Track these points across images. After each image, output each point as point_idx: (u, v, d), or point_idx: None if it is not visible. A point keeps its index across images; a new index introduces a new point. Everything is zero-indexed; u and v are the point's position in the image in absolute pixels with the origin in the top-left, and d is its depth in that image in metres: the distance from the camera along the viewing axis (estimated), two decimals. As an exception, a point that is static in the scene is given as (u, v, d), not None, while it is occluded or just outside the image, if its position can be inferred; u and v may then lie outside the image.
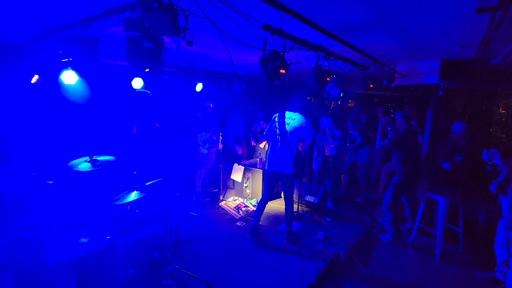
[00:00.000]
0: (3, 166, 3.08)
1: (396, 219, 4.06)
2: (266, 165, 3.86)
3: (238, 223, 4.44)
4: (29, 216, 2.92)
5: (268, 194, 3.92)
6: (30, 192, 3.11)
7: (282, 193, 3.92)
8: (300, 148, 4.09)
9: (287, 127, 3.70)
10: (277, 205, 5.06)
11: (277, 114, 3.84)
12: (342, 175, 5.75)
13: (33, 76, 3.41)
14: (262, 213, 3.96)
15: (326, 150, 5.15)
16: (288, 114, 3.79)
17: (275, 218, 4.63)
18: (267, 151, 3.92)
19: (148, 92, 4.59)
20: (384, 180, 5.38)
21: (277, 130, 3.75)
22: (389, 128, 4.06)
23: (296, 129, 3.70)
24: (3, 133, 3.45)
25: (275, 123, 3.80)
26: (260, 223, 4.38)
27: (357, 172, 5.62)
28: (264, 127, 6.28)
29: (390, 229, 4.08)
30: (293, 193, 3.92)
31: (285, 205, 3.85)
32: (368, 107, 7.05)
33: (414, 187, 4.26)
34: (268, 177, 3.89)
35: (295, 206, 4.79)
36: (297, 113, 3.80)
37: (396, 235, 4.06)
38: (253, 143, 6.60)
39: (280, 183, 3.94)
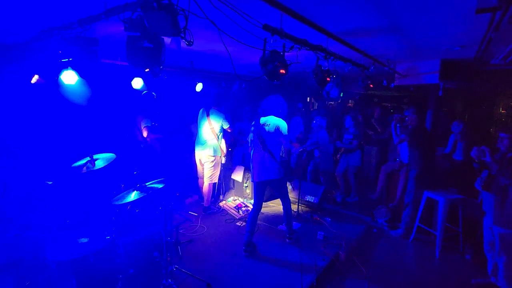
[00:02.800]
0: (7, 159, 3.07)
1: (415, 216, 4.12)
2: (254, 176, 3.65)
3: (238, 223, 4.44)
4: (30, 215, 2.93)
5: (259, 205, 3.73)
6: (31, 191, 3.12)
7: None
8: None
9: (264, 134, 3.54)
10: (277, 205, 5.06)
11: (254, 122, 3.66)
12: (338, 178, 5.68)
13: (33, 76, 3.41)
14: (255, 225, 3.73)
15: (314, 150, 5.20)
16: (262, 119, 3.61)
17: (275, 218, 4.63)
18: (251, 160, 3.72)
19: (154, 94, 4.53)
20: (383, 180, 5.37)
21: (257, 138, 3.58)
22: (398, 126, 4.21)
23: (273, 134, 3.53)
24: (7, 132, 3.45)
25: (254, 131, 3.62)
26: (260, 223, 4.39)
27: (348, 173, 5.61)
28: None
29: (405, 224, 4.18)
30: (288, 192, 3.83)
31: (283, 206, 3.78)
32: (366, 106, 7.06)
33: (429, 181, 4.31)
34: (257, 187, 3.68)
35: (295, 206, 4.81)
36: (271, 116, 3.62)
37: (406, 230, 4.16)
38: None
39: (272, 189, 3.82)
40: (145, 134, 4.57)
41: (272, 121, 3.58)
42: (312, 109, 8.69)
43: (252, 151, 3.67)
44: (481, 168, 3.03)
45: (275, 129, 3.53)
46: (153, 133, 4.55)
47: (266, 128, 3.56)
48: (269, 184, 3.72)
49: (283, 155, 3.76)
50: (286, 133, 3.57)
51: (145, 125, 4.51)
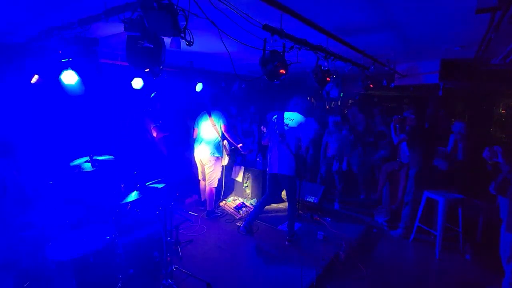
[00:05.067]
0: (7, 158, 3.05)
1: (414, 215, 4.15)
2: (268, 167, 3.81)
3: (238, 223, 4.44)
4: (30, 215, 2.93)
5: (270, 195, 3.88)
6: (32, 191, 3.12)
7: (285, 194, 3.91)
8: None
9: (286, 128, 3.68)
10: (277, 205, 5.06)
11: (276, 115, 3.80)
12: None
13: (33, 76, 3.41)
14: (260, 212, 3.88)
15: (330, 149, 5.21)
16: (286, 114, 3.76)
17: (275, 218, 4.62)
18: (267, 152, 3.88)
19: (153, 94, 4.56)
20: (383, 180, 5.37)
21: (276, 131, 3.72)
22: (397, 126, 4.27)
23: (294, 129, 3.67)
24: (7, 131, 3.45)
25: (274, 124, 3.77)
26: (260, 222, 4.38)
27: (353, 170, 5.65)
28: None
29: (405, 223, 4.22)
30: (296, 194, 3.89)
31: (288, 206, 3.83)
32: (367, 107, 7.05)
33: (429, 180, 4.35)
34: (270, 179, 3.86)
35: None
36: (295, 112, 3.77)
37: (406, 229, 4.18)
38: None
39: (282, 185, 3.87)
40: (154, 134, 4.55)
41: (295, 117, 3.72)
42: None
43: (271, 144, 3.78)
44: (494, 170, 2.96)
45: (297, 124, 3.67)
46: (161, 132, 4.54)
47: (289, 122, 3.69)
48: (280, 180, 3.78)
49: (300, 151, 3.84)
50: (307, 131, 3.72)
51: (154, 125, 4.50)
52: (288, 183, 3.75)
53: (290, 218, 3.85)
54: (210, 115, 4.51)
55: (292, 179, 3.73)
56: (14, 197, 2.94)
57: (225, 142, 4.68)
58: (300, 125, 3.69)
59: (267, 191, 3.92)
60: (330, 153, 5.40)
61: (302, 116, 3.76)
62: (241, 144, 4.63)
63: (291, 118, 3.73)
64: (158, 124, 4.54)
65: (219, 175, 4.62)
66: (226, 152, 4.70)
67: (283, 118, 3.73)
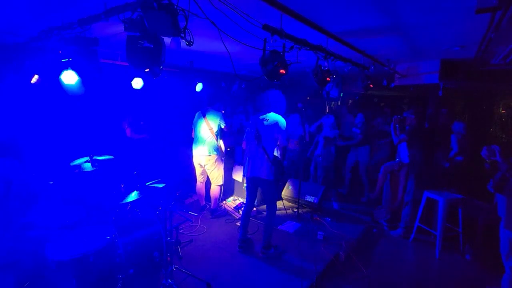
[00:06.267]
0: (9, 158, 3.05)
1: (414, 215, 4.16)
2: (245, 171, 3.61)
3: (238, 223, 4.43)
4: (31, 215, 2.93)
5: (251, 202, 3.71)
6: (33, 191, 3.12)
7: (283, 193, 3.84)
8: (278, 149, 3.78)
9: (262, 129, 3.45)
10: (277, 204, 5.05)
11: (253, 117, 3.62)
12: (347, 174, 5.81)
13: (33, 76, 3.42)
14: (248, 223, 3.71)
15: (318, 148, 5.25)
16: (263, 115, 3.54)
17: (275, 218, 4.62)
18: (245, 156, 3.70)
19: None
20: (383, 179, 5.37)
21: (253, 133, 3.49)
22: (397, 126, 4.27)
23: (271, 131, 3.44)
24: (8, 131, 3.45)
25: (251, 125, 3.57)
26: (260, 222, 4.38)
27: (360, 171, 5.67)
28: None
29: (405, 223, 4.24)
30: (275, 200, 3.70)
31: (266, 212, 3.63)
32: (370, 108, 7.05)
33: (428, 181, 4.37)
34: (248, 183, 3.64)
35: (295, 206, 4.80)
36: (272, 113, 3.53)
37: (406, 229, 4.20)
38: None
39: (260, 189, 3.69)
40: (128, 133, 4.55)
41: (271, 117, 3.51)
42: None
43: (248, 147, 3.62)
44: (492, 168, 2.97)
45: (273, 125, 3.46)
46: (136, 133, 4.53)
47: (265, 123, 3.47)
48: (258, 184, 3.61)
49: (278, 154, 3.65)
50: (284, 129, 3.50)
51: (128, 125, 4.51)
52: (266, 187, 3.55)
53: (267, 225, 3.54)
54: (205, 116, 4.42)
55: (269, 184, 3.47)
56: (18, 196, 2.94)
57: (221, 141, 4.65)
58: (276, 125, 3.45)
59: (247, 197, 3.71)
60: (316, 152, 5.44)
61: (278, 115, 3.53)
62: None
63: (266, 118, 3.50)
64: (138, 124, 4.54)
65: (222, 172, 4.60)
66: (221, 153, 4.62)
67: (258, 119, 3.52)
